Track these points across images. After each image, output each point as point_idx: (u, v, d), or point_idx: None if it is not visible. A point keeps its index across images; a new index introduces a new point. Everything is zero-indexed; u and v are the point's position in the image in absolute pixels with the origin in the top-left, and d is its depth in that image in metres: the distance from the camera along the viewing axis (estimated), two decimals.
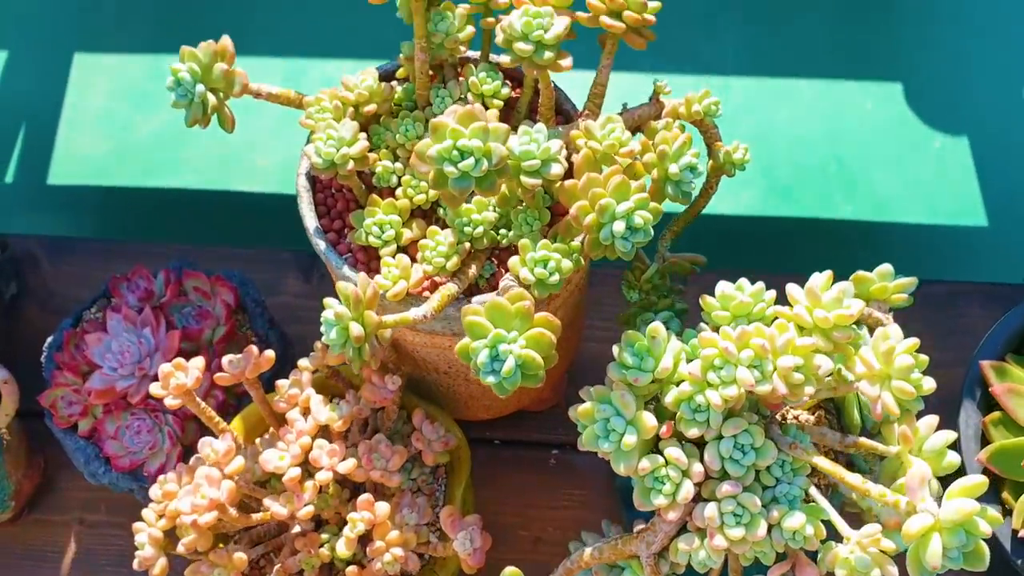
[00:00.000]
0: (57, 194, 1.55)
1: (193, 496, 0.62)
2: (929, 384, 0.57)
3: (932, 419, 0.61)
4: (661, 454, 0.59)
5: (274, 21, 1.65)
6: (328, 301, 0.57)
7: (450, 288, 0.59)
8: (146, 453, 0.78)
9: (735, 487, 0.57)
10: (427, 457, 0.69)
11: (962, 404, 0.68)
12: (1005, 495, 0.66)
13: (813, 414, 0.67)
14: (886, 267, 0.68)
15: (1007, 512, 0.66)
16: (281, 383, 0.70)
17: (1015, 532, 0.65)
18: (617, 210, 0.56)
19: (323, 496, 0.68)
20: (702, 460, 0.58)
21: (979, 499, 0.54)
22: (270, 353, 0.68)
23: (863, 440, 0.61)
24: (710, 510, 0.57)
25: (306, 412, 0.68)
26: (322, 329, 0.58)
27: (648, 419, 0.58)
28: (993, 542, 0.66)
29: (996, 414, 0.68)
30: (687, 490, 0.58)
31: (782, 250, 1.42)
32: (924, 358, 0.57)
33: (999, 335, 0.71)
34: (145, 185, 1.52)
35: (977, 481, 0.52)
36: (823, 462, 0.58)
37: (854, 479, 0.57)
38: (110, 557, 0.85)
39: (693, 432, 0.58)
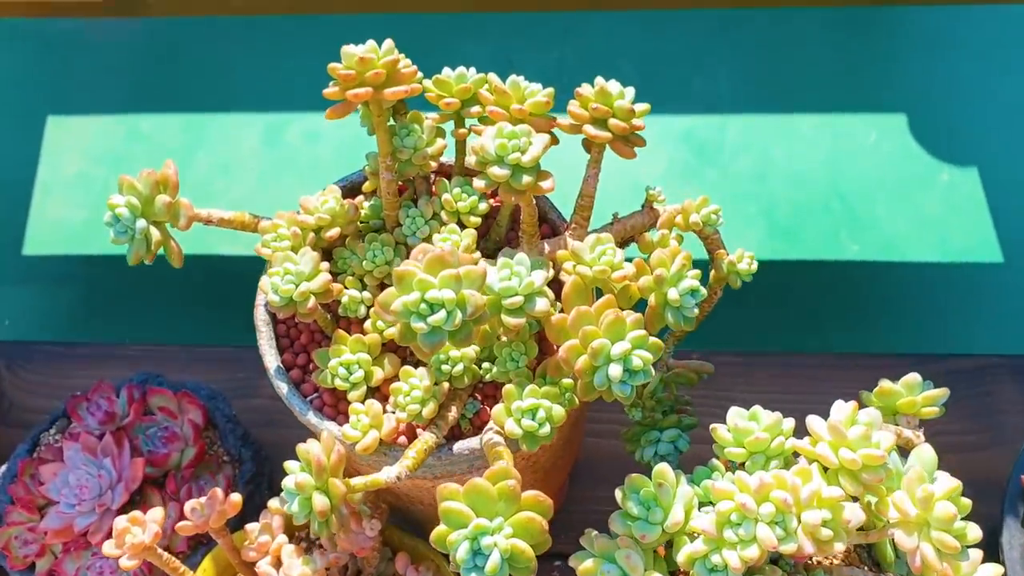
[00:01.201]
0: (33, 264, 1.49)
1: None
2: (975, 533, 0.51)
3: (976, 554, 0.54)
4: None
5: (252, 79, 1.60)
6: (288, 466, 0.50)
7: (427, 440, 0.53)
8: None
9: None
10: None
11: (1004, 523, 0.62)
12: None
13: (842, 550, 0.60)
14: (914, 377, 0.61)
15: None
16: (251, 528, 0.63)
17: None
18: (612, 352, 0.50)
19: None
20: None
21: None
22: (236, 497, 0.61)
23: None
24: None
25: (278, 564, 0.62)
26: (283, 496, 0.51)
27: None
28: None
29: None
30: None
31: (788, 294, 1.36)
32: (967, 502, 0.51)
33: None
34: (123, 253, 1.46)
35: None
36: None
37: None
38: None
39: None
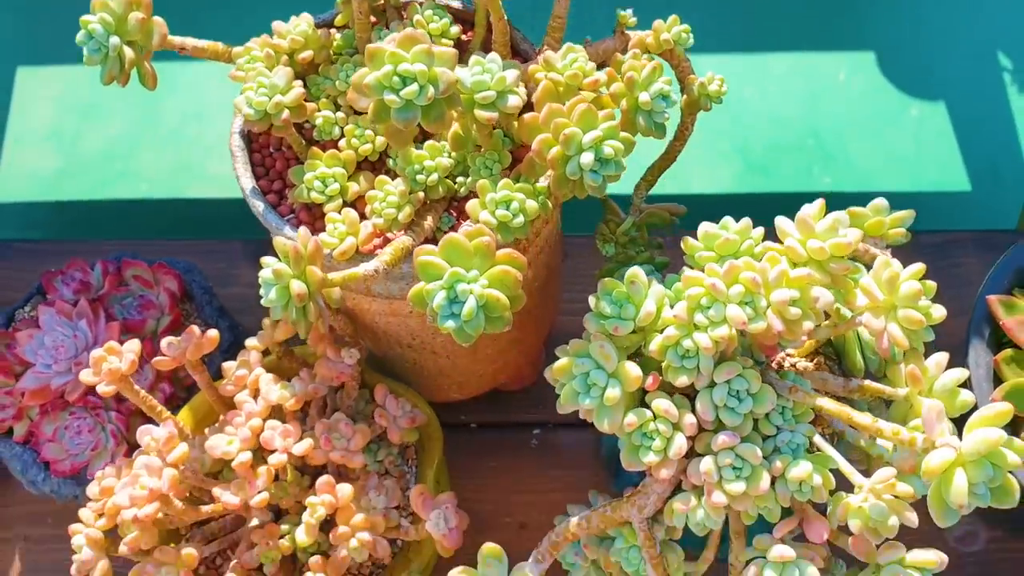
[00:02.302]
0: (7, 212, 1.48)
1: (132, 488, 0.56)
2: (939, 312, 0.52)
3: (942, 356, 0.55)
4: (648, 408, 0.53)
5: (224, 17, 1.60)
6: (265, 260, 0.51)
7: (404, 241, 0.53)
8: (88, 455, 0.71)
9: (732, 438, 0.52)
10: (393, 435, 0.63)
11: (970, 344, 0.63)
12: (1022, 436, 0.60)
13: (812, 361, 0.61)
14: (881, 201, 0.63)
15: None
16: (228, 365, 0.64)
17: None
18: (584, 140, 0.51)
19: (280, 484, 0.62)
20: (694, 411, 0.53)
21: None
22: (213, 333, 0.62)
23: (868, 383, 0.56)
24: (706, 464, 0.52)
25: (256, 394, 0.62)
26: (261, 292, 0.52)
27: (632, 369, 0.52)
28: None
29: (1008, 351, 0.62)
30: (679, 445, 0.52)
31: (765, 225, 1.38)
32: (932, 284, 0.52)
33: (1004, 271, 0.65)
34: (96, 198, 1.46)
35: (1000, 409, 0.47)
36: (827, 403, 0.52)
37: (863, 419, 0.51)
38: (59, 572, 0.78)
39: (682, 381, 0.52)
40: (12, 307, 0.78)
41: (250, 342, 0.64)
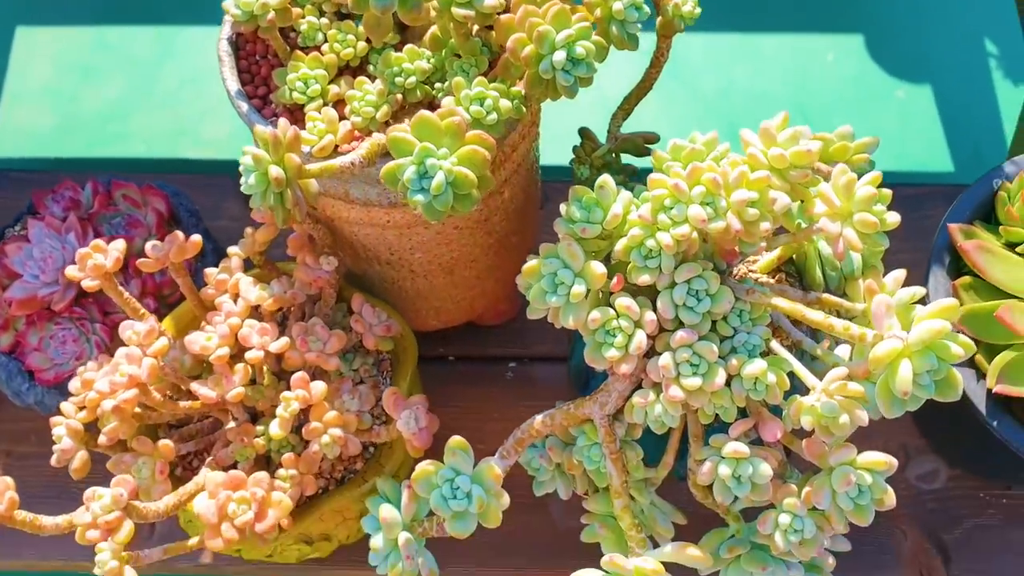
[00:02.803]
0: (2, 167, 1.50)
1: (112, 375, 0.58)
2: (893, 218, 0.54)
3: (899, 273, 0.57)
4: (612, 308, 0.55)
5: None
6: (246, 148, 0.53)
7: (380, 138, 0.55)
8: (72, 364, 0.73)
9: (690, 334, 0.53)
10: (368, 341, 0.64)
11: (930, 271, 0.65)
12: (978, 358, 0.62)
13: (773, 278, 0.63)
14: (846, 128, 0.65)
15: (981, 375, 0.62)
16: (210, 271, 0.65)
17: (989, 392, 0.62)
18: (557, 39, 0.53)
19: (257, 388, 0.63)
20: (655, 311, 0.55)
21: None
22: (196, 237, 0.63)
23: (827, 296, 0.58)
24: (665, 359, 0.53)
25: (237, 298, 0.64)
26: (241, 181, 0.53)
27: (597, 267, 0.54)
28: (968, 406, 0.63)
29: (967, 278, 0.64)
30: (639, 340, 0.54)
31: None
32: (887, 192, 0.54)
33: (968, 202, 0.67)
34: (91, 156, 1.47)
35: (946, 304, 0.49)
36: (782, 302, 0.54)
37: (816, 315, 0.53)
38: (43, 488, 0.80)
39: (644, 279, 0.54)
40: (3, 227, 0.80)
41: (232, 249, 0.66)
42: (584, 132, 0.70)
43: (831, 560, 0.63)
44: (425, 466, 0.56)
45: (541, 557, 0.78)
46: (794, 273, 0.63)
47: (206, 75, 1.57)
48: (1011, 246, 0.64)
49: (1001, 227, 0.65)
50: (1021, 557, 0.76)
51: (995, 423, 0.61)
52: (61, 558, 0.78)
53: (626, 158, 0.70)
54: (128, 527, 0.53)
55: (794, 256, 0.63)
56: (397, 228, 0.63)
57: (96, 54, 1.66)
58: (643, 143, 0.69)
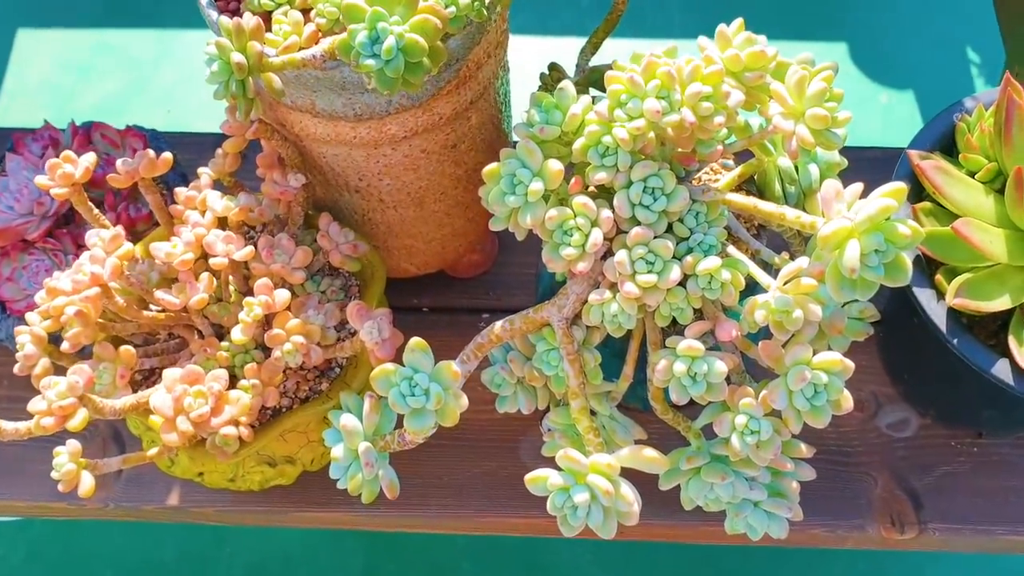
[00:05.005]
0: None
1: (75, 275, 0.58)
2: (844, 114, 0.55)
3: (856, 186, 0.58)
4: (570, 208, 0.55)
5: None
6: (210, 40, 0.54)
7: (344, 36, 0.56)
8: None
9: (646, 231, 0.54)
10: (334, 258, 0.65)
11: None
12: (939, 278, 0.63)
13: None
14: (806, 55, 0.66)
15: (941, 296, 0.63)
16: (180, 189, 0.66)
17: (950, 311, 0.62)
18: None
19: (223, 304, 0.64)
20: (613, 210, 0.55)
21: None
22: (167, 155, 0.64)
23: (786, 208, 0.58)
24: (620, 256, 0.54)
25: (205, 213, 0.65)
26: (205, 76, 0.55)
27: (554, 164, 0.55)
28: (928, 326, 0.63)
29: (927, 204, 0.65)
30: (596, 238, 0.54)
31: None
32: (840, 91, 0.55)
33: (926, 136, 0.68)
34: None
35: (895, 186, 0.50)
36: (737, 197, 0.55)
37: (768, 206, 0.54)
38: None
39: (601, 177, 0.55)
40: None
41: (202, 169, 0.67)
42: (553, 65, 0.71)
43: (795, 485, 0.63)
44: (384, 367, 0.56)
45: (513, 498, 0.78)
46: (755, 192, 0.64)
47: (199, 75, 1.59)
48: (971, 175, 0.65)
49: (960, 155, 0.66)
50: (990, 502, 0.75)
51: (955, 341, 0.61)
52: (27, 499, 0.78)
53: (594, 93, 0.71)
54: (83, 414, 0.53)
55: (755, 177, 0.64)
56: (364, 147, 0.64)
57: (96, 56, 1.69)
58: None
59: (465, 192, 0.73)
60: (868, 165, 0.91)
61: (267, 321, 0.62)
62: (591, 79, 0.70)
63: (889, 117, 1.59)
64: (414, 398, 0.55)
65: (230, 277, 0.65)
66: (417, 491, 0.77)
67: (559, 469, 0.55)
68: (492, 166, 0.57)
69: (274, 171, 0.65)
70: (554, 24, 1.69)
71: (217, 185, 0.68)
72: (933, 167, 0.63)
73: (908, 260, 0.50)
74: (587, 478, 0.54)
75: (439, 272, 0.84)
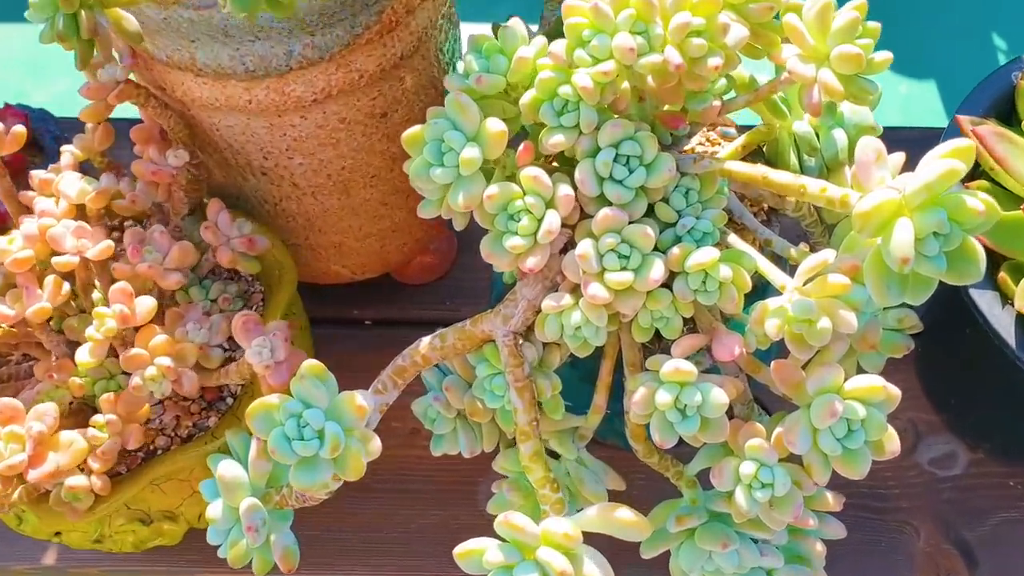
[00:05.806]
0: None
1: None
2: (883, 55, 0.40)
3: (898, 156, 0.44)
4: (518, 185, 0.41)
5: None
6: None
7: None
8: None
9: (619, 214, 0.40)
10: (222, 255, 0.51)
11: None
12: (1002, 276, 0.48)
13: None
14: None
15: (1007, 299, 0.48)
16: (35, 172, 0.52)
17: (1019, 318, 0.47)
18: None
19: (84, 317, 0.50)
20: (574, 186, 0.41)
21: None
22: (20, 128, 0.51)
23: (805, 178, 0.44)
24: (584, 247, 0.40)
25: (59, 201, 0.51)
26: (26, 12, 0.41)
27: (494, 124, 0.41)
28: (988, 337, 0.49)
29: (983, 182, 0.51)
30: (550, 223, 0.40)
31: None
32: (875, 25, 0.41)
33: (980, 97, 0.54)
34: None
35: (962, 144, 0.35)
36: (738, 166, 0.41)
37: (783, 176, 0.39)
38: None
39: (558, 141, 0.41)
40: None
41: (66, 148, 0.53)
42: (509, 18, 0.57)
43: (819, 547, 0.49)
44: (266, 400, 0.42)
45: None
46: (763, 163, 0.50)
47: None
48: None
49: (1023, 122, 0.51)
50: None
51: None
52: None
53: None
54: None
55: (763, 149, 0.50)
56: (265, 115, 0.51)
57: (45, 51, 1.57)
58: None
59: (404, 175, 0.59)
60: (898, 148, 0.77)
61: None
62: (557, 31, 0.56)
63: (910, 108, 1.47)
64: (303, 443, 0.41)
65: (96, 283, 0.51)
66: (345, 547, 0.63)
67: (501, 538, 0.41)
68: (414, 129, 0.43)
69: (150, 147, 0.51)
70: None
71: (88, 168, 0.55)
72: (993, 133, 0.48)
73: (979, 248, 0.36)
74: (537, 553, 0.39)
75: (384, 277, 0.70)
